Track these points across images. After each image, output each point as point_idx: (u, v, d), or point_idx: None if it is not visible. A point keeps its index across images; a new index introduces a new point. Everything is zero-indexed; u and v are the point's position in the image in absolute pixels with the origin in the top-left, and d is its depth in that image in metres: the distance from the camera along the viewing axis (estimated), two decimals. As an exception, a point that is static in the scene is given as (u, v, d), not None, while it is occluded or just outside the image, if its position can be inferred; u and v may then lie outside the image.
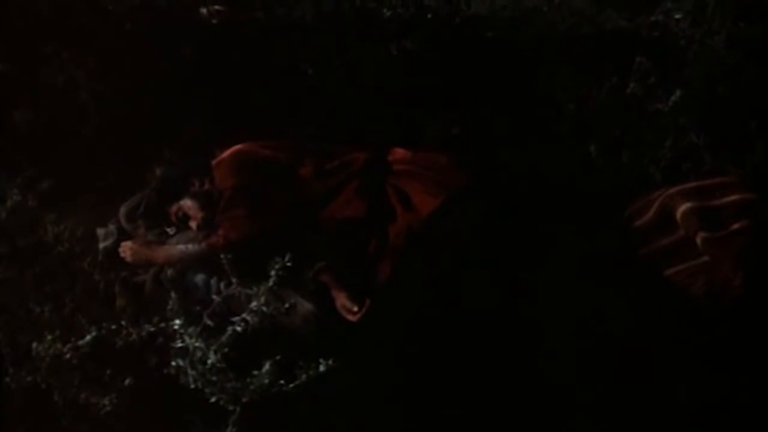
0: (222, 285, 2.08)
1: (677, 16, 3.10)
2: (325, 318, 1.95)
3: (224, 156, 2.21)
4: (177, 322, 1.60)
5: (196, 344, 1.55)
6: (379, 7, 2.82)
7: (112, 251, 2.30)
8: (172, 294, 1.68)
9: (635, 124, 2.50)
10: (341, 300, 1.98)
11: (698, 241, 2.04)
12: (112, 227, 2.38)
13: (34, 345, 1.61)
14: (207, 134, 2.53)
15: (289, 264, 1.65)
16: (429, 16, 2.68)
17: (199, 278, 2.16)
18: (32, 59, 2.89)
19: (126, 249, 2.26)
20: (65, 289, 1.91)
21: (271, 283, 1.64)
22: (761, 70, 2.72)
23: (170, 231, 2.32)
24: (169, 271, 2.19)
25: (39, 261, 1.95)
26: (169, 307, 1.63)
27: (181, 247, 2.22)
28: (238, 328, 1.60)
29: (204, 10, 3.46)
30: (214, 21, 3.01)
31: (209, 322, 1.57)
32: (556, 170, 2.38)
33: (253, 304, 1.59)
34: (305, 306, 1.97)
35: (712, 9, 3.11)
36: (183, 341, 1.58)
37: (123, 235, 2.34)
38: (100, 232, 2.38)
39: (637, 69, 2.59)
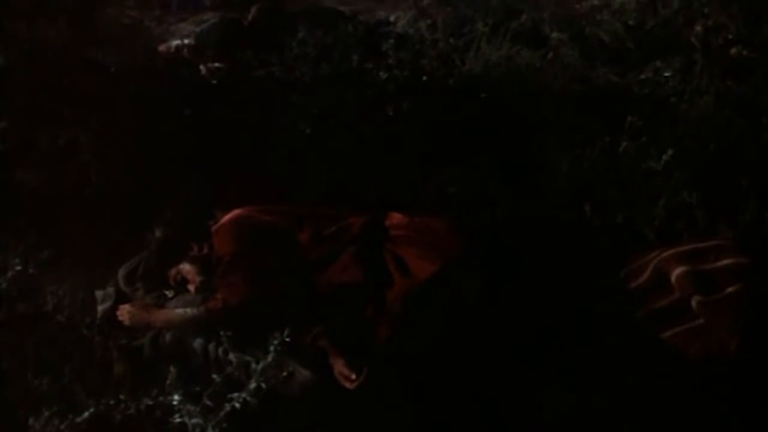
0: (220, 351, 2.09)
1: (666, 74, 3.18)
2: (323, 386, 1.95)
3: (223, 222, 2.24)
4: (176, 397, 1.60)
5: (195, 421, 1.55)
6: (376, 68, 2.90)
7: (111, 314, 2.31)
8: (171, 368, 1.68)
9: (629, 183, 2.54)
10: (339, 367, 1.98)
11: (693, 304, 2.06)
12: (110, 290, 2.40)
13: (31, 421, 1.60)
14: (206, 195, 2.56)
15: (287, 339, 1.66)
16: (424, 77, 2.74)
17: (198, 343, 2.16)
18: (34, 119, 2.95)
19: (124, 312, 2.27)
20: (64, 357, 1.91)
21: (270, 359, 1.65)
22: (750, 127, 2.78)
23: (169, 294, 2.33)
24: (168, 336, 2.20)
25: (39, 329, 1.95)
26: (168, 381, 1.63)
27: (180, 310, 2.23)
28: (237, 405, 1.60)
29: (203, 69, 3.54)
30: (214, 81, 3.08)
31: (209, 403, 1.57)
32: (552, 231, 2.40)
33: (252, 385, 1.59)
34: (303, 374, 1.97)
35: (700, 67, 3.20)
36: (181, 416, 1.58)
37: (121, 297, 2.36)
38: (99, 294, 2.39)
39: (629, 128, 2.64)
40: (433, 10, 4.46)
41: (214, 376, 1.69)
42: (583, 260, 2.35)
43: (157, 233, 2.51)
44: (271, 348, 1.65)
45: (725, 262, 2.08)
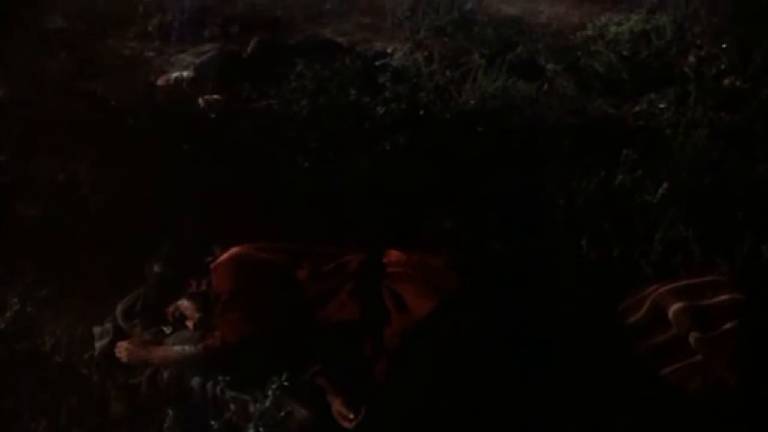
0: (218, 390, 2.09)
1: (661, 106, 3.22)
2: (321, 425, 1.94)
3: (221, 259, 2.25)
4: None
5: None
6: (373, 101, 2.93)
7: (108, 350, 2.31)
8: (170, 411, 1.67)
9: (625, 216, 2.55)
10: (337, 406, 1.98)
11: (691, 340, 2.06)
12: (108, 326, 2.40)
13: (28, 464, 1.59)
14: (205, 230, 2.57)
15: (286, 383, 1.66)
16: (421, 111, 2.76)
17: (195, 382, 2.15)
18: (34, 152, 2.97)
19: (122, 349, 2.26)
20: (61, 399, 1.90)
21: (268, 403, 1.64)
22: (745, 159, 2.80)
23: (167, 330, 2.33)
24: (166, 373, 2.19)
25: (36, 370, 1.95)
26: (166, 424, 1.62)
27: (178, 348, 2.23)
28: (235, 450, 1.59)
29: (202, 101, 3.58)
30: (213, 115, 3.11)
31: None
32: (550, 265, 2.41)
33: (251, 430, 1.59)
34: (302, 413, 1.96)
35: (693, 98, 3.23)
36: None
37: (119, 333, 2.35)
38: (97, 330, 2.39)
39: (625, 161, 2.67)
40: (430, 41, 4.53)
41: (213, 422, 1.68)
42: (580, 295, 2.36)
43: (156, 268, 2.51)
44: (269, 392, 1.64)
45: (722, 297, 2.08)
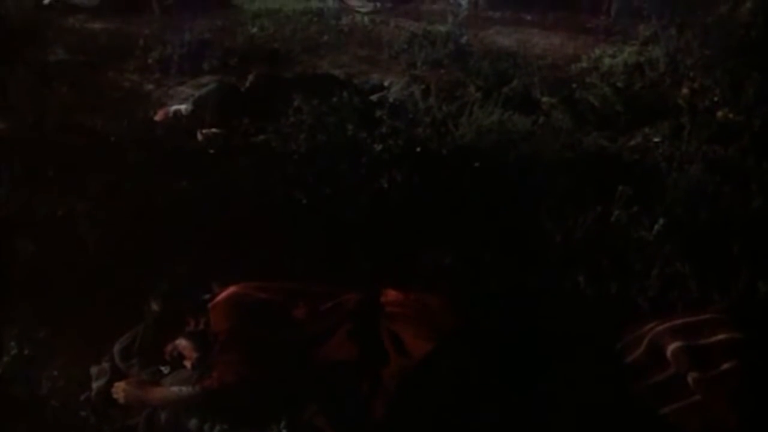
0: (216, 431, 2.07)
1: (656, 139, 3.25)
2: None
3: (219, 299, 2.25)
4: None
5: None
6: (371, 137, 2.95)
7: (106, 391, 2.30)
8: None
9: (622, 252, 2.57)
10: (335, 448, 1.97)
11: (690, 380, 2.05)
12: (105, 365, 2.39)
13: None
14: (203, 267, 2.57)
15: (285, 430, 1.65)
16: (418, 148, 2.79)
17: (193, 423, 2.14)
18: (33, 187, 2.98)
19: (119, 389, 2.25)
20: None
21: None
22: (739, 194, 2.82)
23: (164, 370, 2.32)
24: (163, 415, 2.18)
25: (32, 414, 1.93)
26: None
27: (175, 389, 2.21)
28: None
29: (200, 135, 3.61)
30: (211, 150, 3.14)
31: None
32: (547, 302, 2.41)
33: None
34: (300, 455, 1.95)
35: (688, 132, 3.27)
36: None
37: (117, 373, 2.34)
38: (94, 370, 2.38)
39: (620, 197, 2.69)
40: (426, 73, 4.59)
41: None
42: (578, 332, 2.35)
43: (154, 306, 2.51)
44: (268, 439, 1.64)
45: (720, 337, 2.08)
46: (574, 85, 4.16)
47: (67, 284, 2.57)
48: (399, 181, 2.68)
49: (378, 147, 2.79)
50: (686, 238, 2.59)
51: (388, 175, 2.69)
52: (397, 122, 3.13)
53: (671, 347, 2.10)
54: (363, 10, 6.19)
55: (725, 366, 2.02)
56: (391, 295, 2.23)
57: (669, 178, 2.84)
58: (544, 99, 3.78)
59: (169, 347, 2.32)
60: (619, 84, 4.24)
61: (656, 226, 2.58)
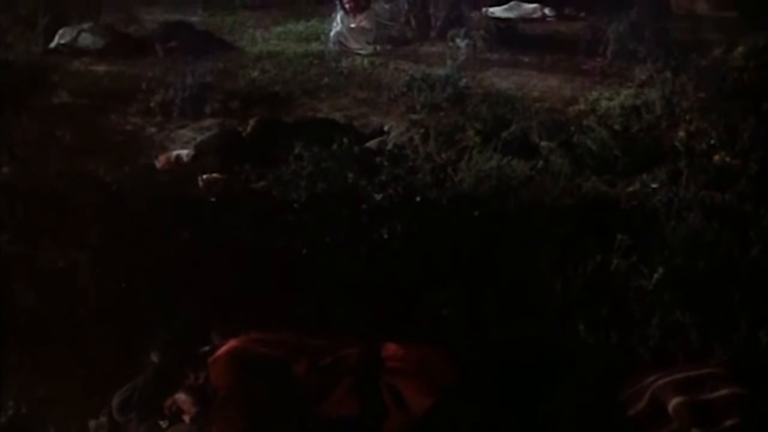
0: (214, 489, 2.05)
1: (654, 185, 3.28)
2: None
3: (219, 354, 2.24)
4: None
5: None
6: (371, 185, 2.98)
7: (103, 446, 2.28)
8: None
9: (621, 302, 2.56)
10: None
11: (693, 436, 2.04)
12: (103, 419, 2.37)
13: None
14: (203, 318, 2.57)
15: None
16: (418, 198, 2.81)
17: (191, 480, 2.12)
18: (36, 236, 2.99)
19: (117, 444, 2.23)
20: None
21: None
22: (738, 241, 2.83)
23: (163, 424, 2.30)
24: (161, 470, 2.16)
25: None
26: None
27: (173, 445, 2.20)
28: None
29: (201, 181, 3.64)
30: (213, 199, 3.16)
31: None
32: (548, 352, 2.40)
33: None
34: None
35: (685, 177, 3.30)
36: None
37: (115, 427, 2.32)
38: (92, 424, 2.36)
39: (619, 246, 2.69)
40: (425, 116, 4.64)
41: None
42: (579, 382, 2.34)
43: (153, 358, 2.50)
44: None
45: (722, 392, 2.07)
46: (572, 128, 4.20)
47: (66, 336, 2.57)
48: (398, 232, 2.69)
49: (378, 196, 2.80)
50: (686, 287, 2.58)
51: (388, 226, 2.70)
52: (396, 169, 3.16)
53: (673, 402, 2.09)
54: (363, 52, 6.29)
55: (728, 422, 2.01)
56: (392, 349, 2.23)
57: (668, 227, 2.85)
58: (543, 143, 3.81)
59: (168, 401, 2.30)
60: (617, 126, 4.29)
61: (655, 275, 2.58)
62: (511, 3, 7.63)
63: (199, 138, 4.23)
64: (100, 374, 2.49)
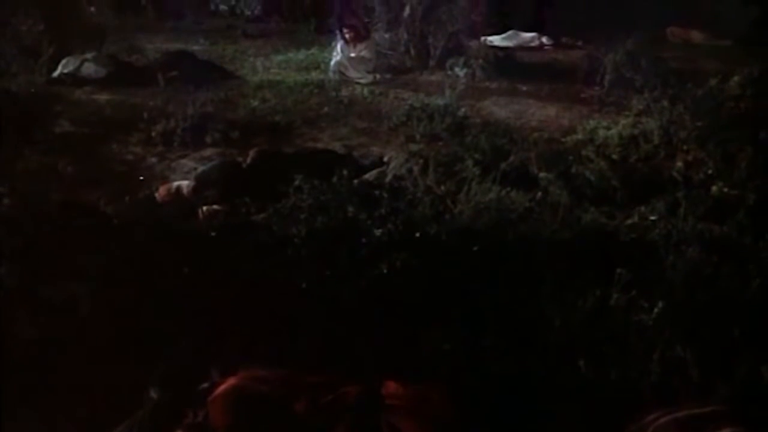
0: None
1: (652, 218, 3.29)
2: None
3: (219, 392, 2.23)
4: None
5: None
6: (370, 219, 2.99)
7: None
8: None
9: (621, 337, 2.55)
10: None
11: (694, 476, 2.02)
12: (101, 458, 2.35)
13: None
14: (202, 354, 2.56)
15: None
16: (417, 233, 2.82)
17: None
18: (35, 271, 2.99)
19: (115, 484, 2.21)
20: None
21: None
22: (737, 275, 2.83)
23: (161, 464, 2.28)
24: None
25: None
26: None
27: (172, 484, 2.18)
28: None
29: (202, 213, 3.65)
30: (213, 233, 3.16)
31: None
32: (547, 389, 2.39)
33: None
34: None
35: (684, 209, 3.31)
36: None
37: (112, 467, 2.30)
38: (89, 464, 2.34)
39: (618, 280, 2.69)
40: (424, 146, 4.68)
41: None
42: (580, 418, 2.33)
43: (152, 393, 2.49)
44: None
45: (724, 431, 2.06)
46: (571, 158, 4.22)
47: (65, 370, 2.55)
48: (398, 267, 2.69)
49: (378, 231, 2.81)
50: (686, 321, 2.58)
51: (387, 260, 2.70)
52: (396, 202, 3.17)
53: (675, 441, 2.08)
54: (363, 81, 6.36)
55: (730, 462, 2.00)
56: (391, 387, 2.22)
57: (667, 260, 2.86)
58: (542, 174, 3.83)
59: (167, 441, 2.29)
60: (615, 156, 4.32)
61: (656, 310, 2.58)
62: (510, 32, 7.74)
63: (200, 168, 4.25)
64: (98, 410, 2.48)
